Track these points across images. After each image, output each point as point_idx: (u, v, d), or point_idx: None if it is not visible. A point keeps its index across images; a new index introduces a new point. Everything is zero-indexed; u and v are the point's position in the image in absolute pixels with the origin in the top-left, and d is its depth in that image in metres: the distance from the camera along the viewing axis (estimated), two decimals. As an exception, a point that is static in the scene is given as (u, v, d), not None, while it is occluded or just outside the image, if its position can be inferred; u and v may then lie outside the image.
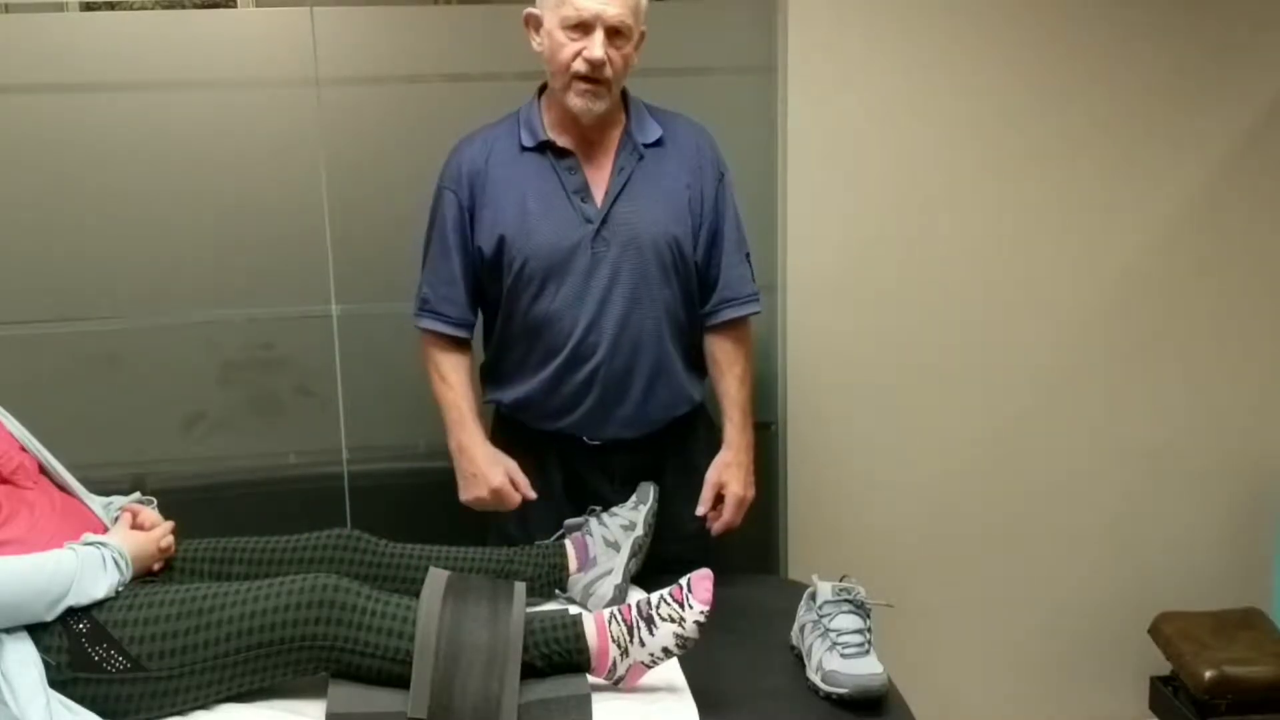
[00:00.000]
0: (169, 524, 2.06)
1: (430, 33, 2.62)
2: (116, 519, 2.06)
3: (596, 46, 2.07)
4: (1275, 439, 2.96)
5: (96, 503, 2.11)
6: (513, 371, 2.28)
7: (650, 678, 1.87)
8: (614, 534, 2.16)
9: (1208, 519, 2.98)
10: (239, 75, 2.54)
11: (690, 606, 1.82)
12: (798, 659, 1.99)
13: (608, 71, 2.10)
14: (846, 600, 1.97)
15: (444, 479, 2.37)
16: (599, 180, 2.20)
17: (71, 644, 1.76)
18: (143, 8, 2.70)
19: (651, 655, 1.83)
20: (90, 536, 1.89)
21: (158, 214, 2.56)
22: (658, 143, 2.23)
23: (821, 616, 1.96)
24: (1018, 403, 2.88)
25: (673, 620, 1.82)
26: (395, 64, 2.59)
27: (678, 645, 1.82)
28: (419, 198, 2.47)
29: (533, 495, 2.26)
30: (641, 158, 2.21)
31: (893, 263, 2.76)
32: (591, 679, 1.84)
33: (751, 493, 2.32)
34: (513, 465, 2.27)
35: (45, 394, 2.51)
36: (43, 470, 2.04)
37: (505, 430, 2.35)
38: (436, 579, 1.89)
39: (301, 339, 2.64)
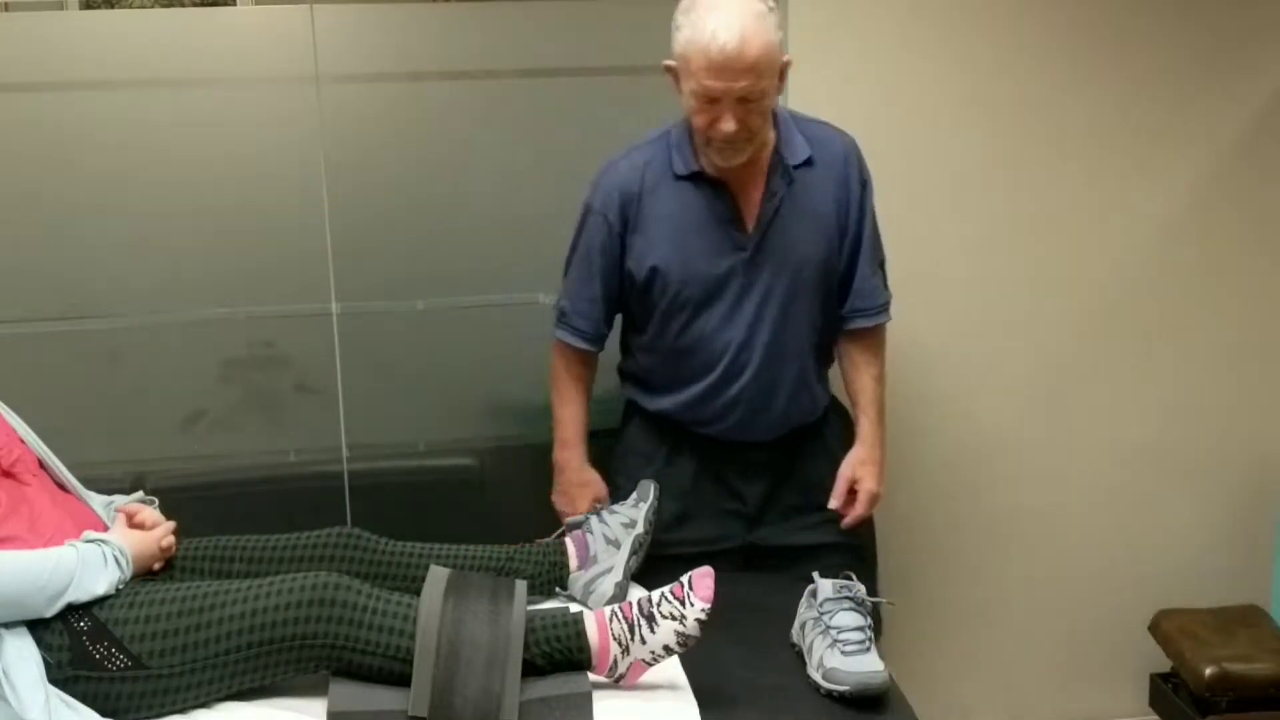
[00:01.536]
0: (170, 523, 2.06)
1: (430, 30, 2.62)
2: (116, 518, 2.06)
3: (727, 122, 2.05)
4: (1276, 436, 2.96)
5: (97, 501, 2.11)
6: (659, 385, 2.32)
7: (651, 675, 1.87)
8: (614, 532, 2.16)
9: (1208, 516, 2.98)
10: (239, 73, 2.53)
11: (691, 604, 1.82)
12: (798, 656, 1.99)
13: (743, 135, 2.07)
14: (847, 598, 1.97)
15: (444, 477, 2.38)
16: (750, 206, 2.20)
17: (73, 642, 1.76)
18: (142, 6, 2.70)
19: (652, 653, 1.83)
20: (91, 534, 1.89)
21: (158, 212, 2.55)
22: (807, 162, 2.21)
23: (822, 614, 1.96)
24: (1017, 400, 2.88)
25: (674, 618, 1.82)
26: (395, 61, 2.59)
27: (679, 643, 1.82)
28: (419, 195, 2.48)
29: None
30: (791, 181, 2.19)
31: (893, 259, 2.75)
32: (592, 677, 1.84)
33: (883, 489, 2.35)
34: (602, 493, 2.36)
35: (45, 392, 2.51)
36: (42, 466, 2.04)
37: (639, 416, 2.40)
38: (437, 577, 1.89)
39: (302, 337, 2.64)
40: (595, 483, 2.38)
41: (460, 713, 1.74)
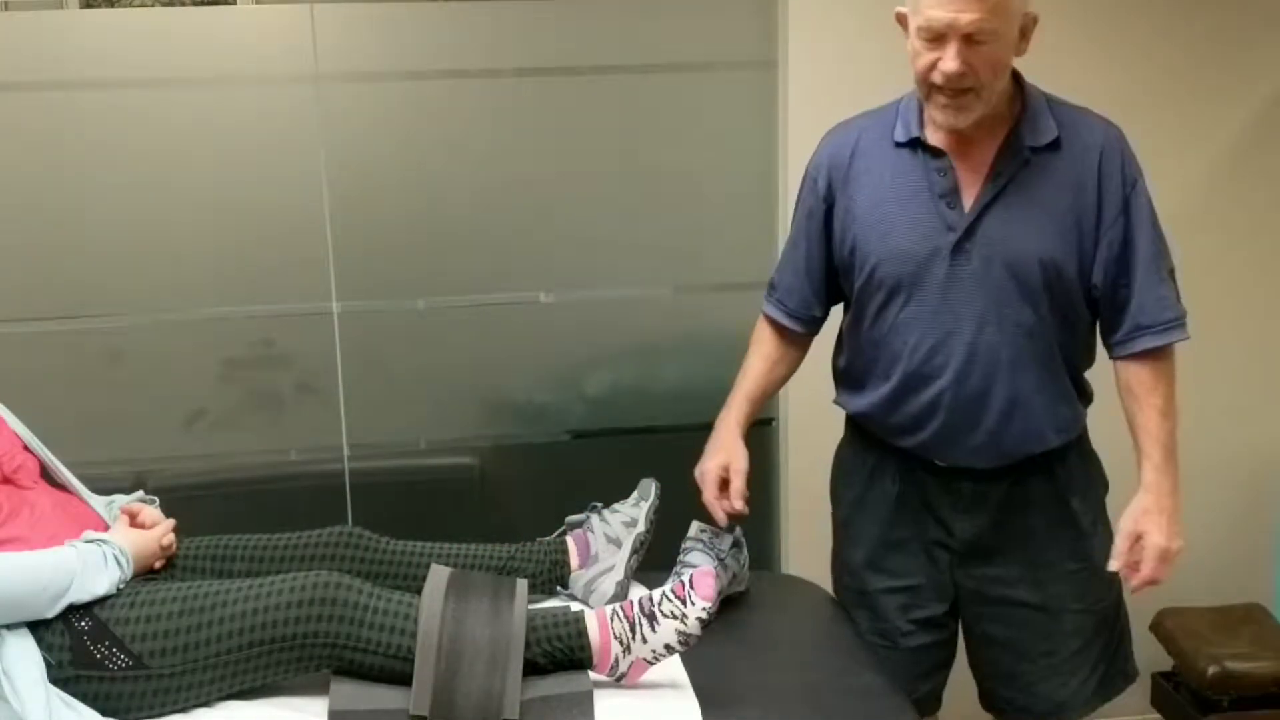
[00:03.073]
0: (170, 522, 2.06)
1: (429, 29, 2.62)
2: (118, 518, 2.06)
3: (949, 59, 1.81)
4: (1277, 434, 2.96)
5: (98, 502, 2.11)
6: (857, 379, 2.11)
7: (652, 674, 1.86)
8: (615, 530, 2.16)
9: (1210, 515, 2.98)
10: (239, 72, 2.53)
11: (692, 603, 1.81)
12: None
13: (968, 82, 1.83)
14: (701, 540, 2.07)
15: (445, 476, 2.37)
16: (971, 185, 1.93)
17: (73, 641, 1.76)
18: (142, 5, 2.70)
19: (654, 652, 1.83)
20: (91, 534, 1.89)
21: (158, 211, 2.56)
22: (1052, 145, 1.93)
23: (682, 554, 2.08)
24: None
25: (675, 617, 1.81)
26: (395, 60, 2.59)
27: (680, 642, 1.82)
28: (419, 194, 2.48)
29: (736, 506, 2.11)
30: (1026, 163, 1.92)
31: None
32: (594, 676, 1.84)
33: (1178, 544, 2.01)
34: (739, 465, 2.11)
35: (46, 392, 2.51)
36: (44, 470, 2.04)
37: (848, 427, 2.22)
38: (438, 576, 1.89)
39: (302, 336, 2.64)
40: (734, 450, 2.12)
41: (461, 712, 1.74)
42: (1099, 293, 1.98)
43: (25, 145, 2.50)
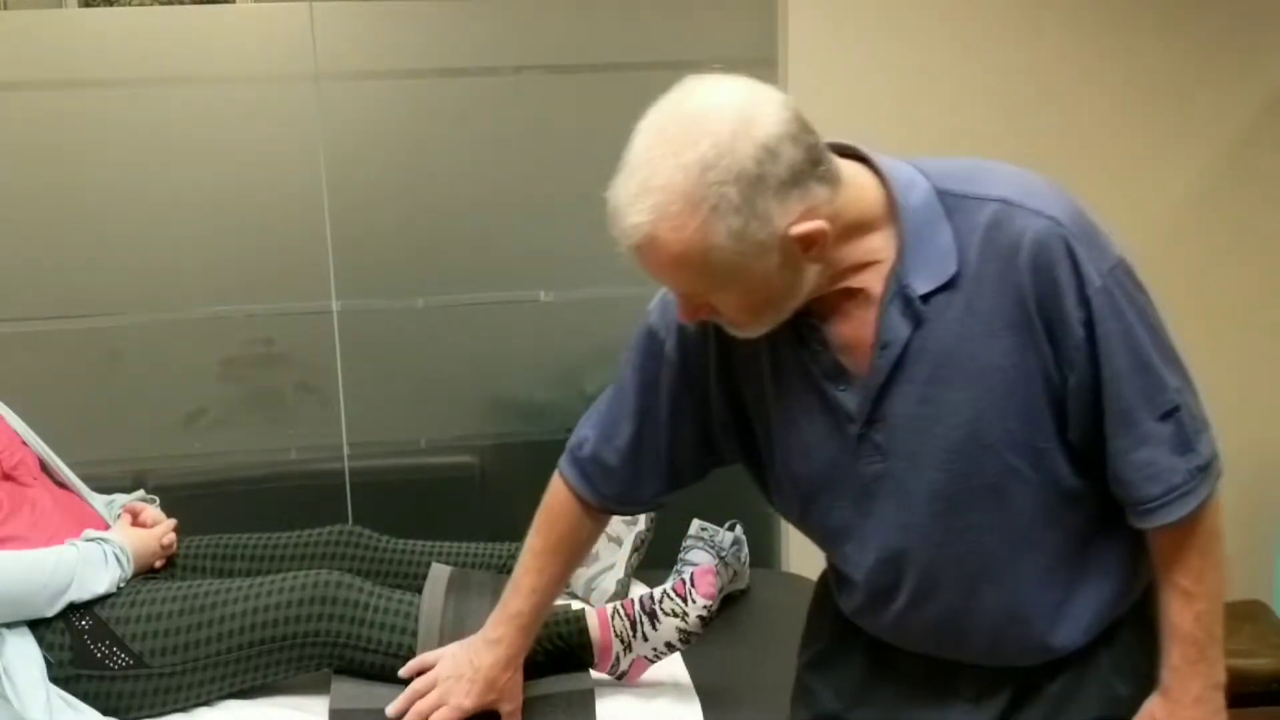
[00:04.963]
0: (171, 521, 2.06)
1: (429, 27, 2.61)
2: (119, 517, 2.06)
3: (681, 308, 1.35)
4: (1279, 433, 2.96)
5: (98, 500, 2.11)
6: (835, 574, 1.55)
7: (653, 672, 1.87)
8: (616, 528, 2.16)
9: (1210, 512, 2.98)
10: (238, 71, 2.53)
11: (694, 601, 1.81)
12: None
13: (721, 320, 1.35)
14: (702, 538, 2.07)
15: (445, 475, 2.37)
16: (859, 357, 1.35)
17: (74, 640, 1.76)
18: (141, 4, 2.69)
19: (655, 650, 1.83)
20: (91, 533, 1.89)
21: (157, 210, 2.55)
22: (950, 283, 1.31)
23: (682, 553, 2.09)
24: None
25: (675, 615, 1.81)
26: (395, 58, 2.59)
27: (681, 640, 1.82)
28: (419, 193, 2.47)
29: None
30: (919, 321, 1.31)
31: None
32: (595, 674, 1.84)
33: None
34: (450, 684, 1.70)
35: (46, 391, 2.50)
36: (44, 467, 2.04)
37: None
38: (439, 575, 1.89)
39: (302, 335, 2.64)
40: (509, 688, 1.72)
41: (462, 710, 1.74)
42: (1084, 453, 1.37)
43: (24, 144, 2.50)
